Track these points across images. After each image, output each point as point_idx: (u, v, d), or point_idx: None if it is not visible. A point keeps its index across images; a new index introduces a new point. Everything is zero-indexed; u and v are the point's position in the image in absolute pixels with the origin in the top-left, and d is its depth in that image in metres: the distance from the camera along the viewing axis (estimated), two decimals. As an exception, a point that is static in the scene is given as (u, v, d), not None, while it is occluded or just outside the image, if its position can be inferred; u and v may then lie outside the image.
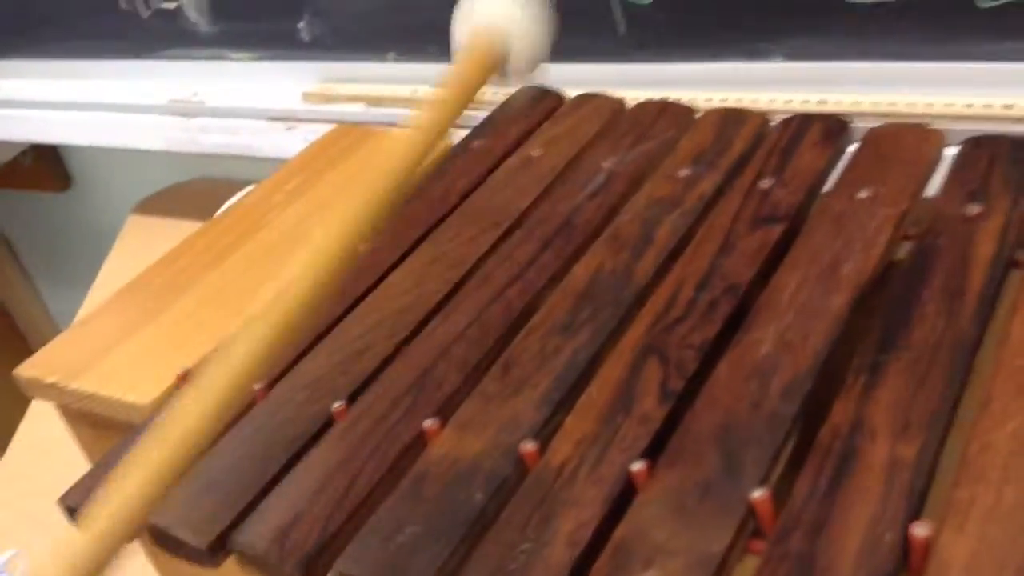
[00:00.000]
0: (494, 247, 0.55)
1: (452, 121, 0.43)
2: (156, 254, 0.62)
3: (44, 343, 0.55)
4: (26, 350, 1.70)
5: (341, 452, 0.43)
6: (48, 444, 0.89)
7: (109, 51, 1.17)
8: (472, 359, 0.47)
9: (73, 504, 0.45)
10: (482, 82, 0.44)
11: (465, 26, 0.45)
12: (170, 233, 1.09)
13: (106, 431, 0.55)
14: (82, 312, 1.06)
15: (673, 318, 0.46)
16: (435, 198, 0.61)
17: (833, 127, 0.57)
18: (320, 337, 0.51)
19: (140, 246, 1.18)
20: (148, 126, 1.14)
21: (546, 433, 0.42)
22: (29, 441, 0.92)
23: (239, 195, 0.96)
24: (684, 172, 0.56)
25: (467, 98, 0.43)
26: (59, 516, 0.79)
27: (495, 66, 0.45)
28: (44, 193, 1.53)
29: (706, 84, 0.81)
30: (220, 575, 0.43)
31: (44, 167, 1.45)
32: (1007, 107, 0.70)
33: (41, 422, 0.93)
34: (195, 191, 1.24)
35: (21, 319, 1.75)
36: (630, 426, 0.41)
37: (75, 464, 0.80)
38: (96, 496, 0.44)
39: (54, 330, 1.71)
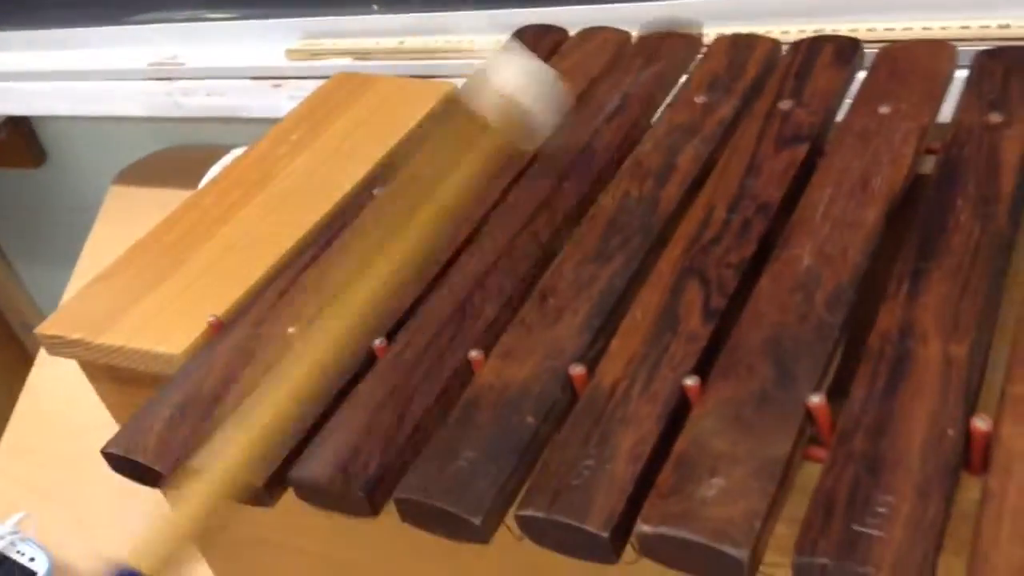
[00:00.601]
0: (515, 181, 0.55)
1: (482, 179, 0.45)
2: (143, 224, 0.61)
3: (27, 326, 0.54)
4: (8, 334, 1.67)
5: (387, 386, 0.43)
6: (50, 416, 0.88)
7: (83, 18, 1.15)
8: (507, 289, 0.47)
9: (117, 451, 0.44)
10: (506, 143, 0.47)
11: (484, 100, 0.48)
12: (155, 202, 1.07)
13: (131, 386, 0.54)
14: (71, 288, 1.05)
15: (708, 239, 0.46)
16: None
17: (845, 47, 0.57)
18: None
19: (125, 217, 1.16)
20: (128, 92, 1.12)
21: (591, 357, 0.43)
22: (31, 413, 0.90)
23: (227, 157, 0.95)
24: (701, 99, 0.56)
25: (487, 162, 0.45)
26: (65, 488, 0.78)
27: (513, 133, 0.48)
28: (17, 170, 1.50)
29: (703, 18, 0.81)
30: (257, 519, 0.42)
31: (18, 142, 1.42)
32: (1003, 26, 0.71)
33: (40, 395, 0.92)
34: (178, 158, 1.22)
35: (1, 301, 1.73)
36: (678, 345, 0.41)
37: (77, 435, 0.80)
38: (139, 446, 0.44)
39: (36, 311, 1.69)
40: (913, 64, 0.54)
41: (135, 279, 0.55)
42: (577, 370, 0.41)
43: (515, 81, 0.48)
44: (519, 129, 0.48)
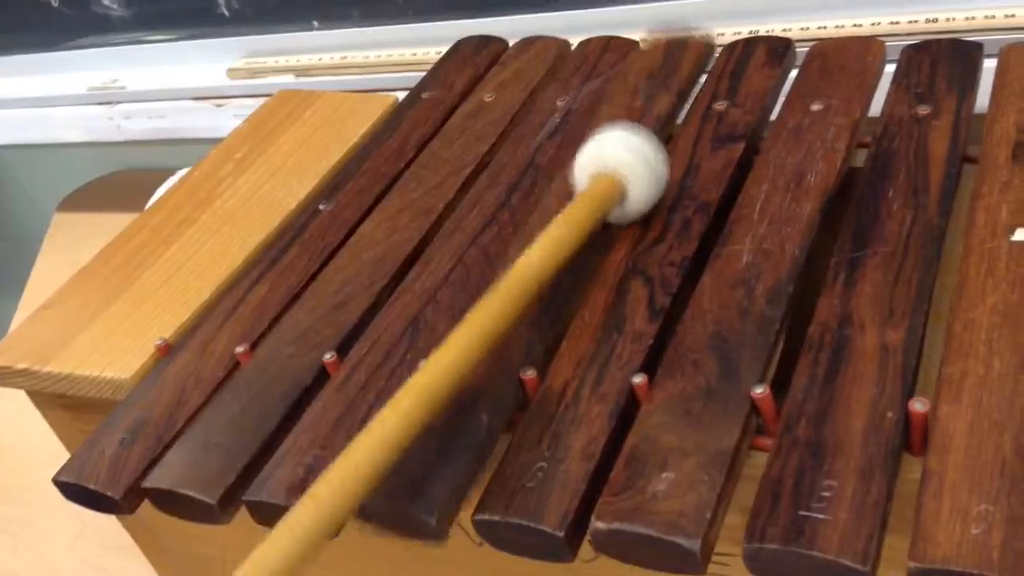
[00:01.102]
0: (460, 192, 0.55)
1: (566, 255, 0.44)
2: (89, 250, 0.60)
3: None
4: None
5: (342, 402, 0.43)
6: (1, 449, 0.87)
7: (21, 44, 1.13)
8: (459, 303, 0.47)
9: (69, 479, 0.44)
10: (597, 220, 0.46)
11: (590, 168, 0.48)
12: (101, 228, 1.06)
13: (82, 413, 0.54)
14: (18, 318, 1.03)
15: (650, 240, 0.47)
16: (392, 151, 0.60)
17: (777, 47, 0.58)
18: (296, 295, 0.51)
19: (70, 245, 1.14)
20: (68, 118, 1.11)
21: (542, 361, 0.43)
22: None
23: (173, 179, 0.94)
24: (637, 102, 0.57)
25: (581, 235, 0.45)
26: (18, 522, 0.77)
27: (610, 207, 0.47)
28: (-43, 202, 1.47)
29: (638, 25, 0.82)
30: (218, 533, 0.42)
31: (-43, 173, 1.39)
32: (931, 21, 0.73)
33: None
34: (122, 182, 1.21)
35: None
36: (624, 344, 0.42)
37: (29, 468, 0.79)
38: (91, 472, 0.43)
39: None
40: (843, 61, 0.55)
41: (81, 305, 0.55)
42: (528, 374, 0.42)
43: (623, 158, 0.47)
44: (616, 205, 0.47)
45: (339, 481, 0.35)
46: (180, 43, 1.05)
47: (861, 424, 0.36)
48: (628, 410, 0.40)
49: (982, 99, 0.51)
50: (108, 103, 1.08)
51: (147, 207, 0.90)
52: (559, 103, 0.59)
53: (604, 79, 0.61)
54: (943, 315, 0.41)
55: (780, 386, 0.41)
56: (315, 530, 0.33)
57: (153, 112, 1.06)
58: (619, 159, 0.47)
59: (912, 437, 0.36)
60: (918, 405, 0.35)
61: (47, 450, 0.58)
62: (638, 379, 0.40)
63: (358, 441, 0.36)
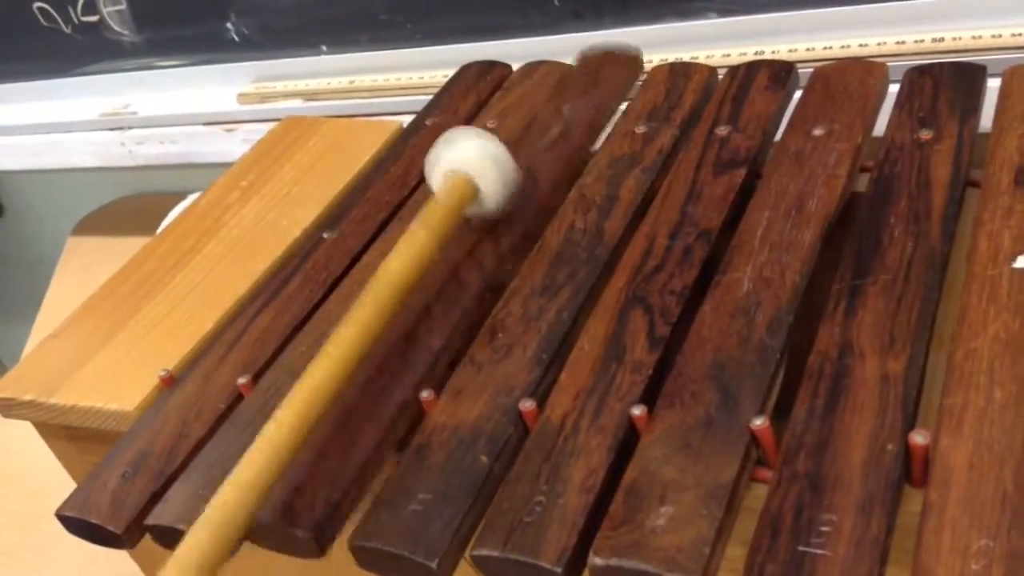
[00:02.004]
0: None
1: (434, 252, 0.47)
2: (102, 273, 0.61)
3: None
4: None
5: (334, 423, 0.43)
6: (8, 478, 0.87)
7: (33, 71, 1.14)
8: (453, 319, 0.47)
9: (71, 513, 0.44)
10: (458, 216, 0.49)
11: (438, 170, 0.51)
12: (114, 252, 1.07)
13: (87, 443, 0.54)
14: (31, 341, 1.04)
15: (651, 268, 0.47)
16: (395, 178, 0.61)
17: (780, 71, 0.58)
18: (300, 325, 0.51)
19: (83, 268, 1.15)
20: (80, 144, 1.12)
21: (541, 391, 0.43)
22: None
23: (184, 203, 0.95)
24: (640, 129, 0.57)
25: (440, 237, 0.48)
26: (26, 549, 0.77)
27: (468, 201, 0.50)
28: (-27, 226, 1.49)
29: (643, 47, 0.82)
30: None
31: (-27, 198, 1.41)
32: (937, 40, 0.73)
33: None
34: (134, 206, 1.22)
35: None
36: (624, 375, 0.42)
37: (36, 495, 0.79)
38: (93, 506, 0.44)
39: (-1, 366, 1.67)
40: (845, 84, 0.55)
41: (88, 335, 0.55)
42: (527, 405, 0.42)
43: (465, 157, 0.49)
44: (469, 202, 0.50)
45: (231, 501, 0.36)
46: (190, 68, 1.06)
47: (861, 456, 0.35)
48: (627, 442, 0.39)
49: (987, 118, 0.51)
50: (120, 128, 1.09)
51: (158, 231, 0.91)
52: (558, 118, 0.59)
53: (605, 90, 0.61)
54: (945, 341, 0.40)
55: (781, 413, 0.40)
56: (211, 552, 0.35)
57: (164, 137, 1.07)
58: (466, 159, 0.49)
59: (913, 469, 0.36)
60: (919, 437, 0.35)
61: (57, 477, 0.58)
62: (637, 411, 0.40)
63: (246, 459, 0.38)
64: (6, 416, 0.54)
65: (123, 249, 0.71)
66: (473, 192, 0.49)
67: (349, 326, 0.42)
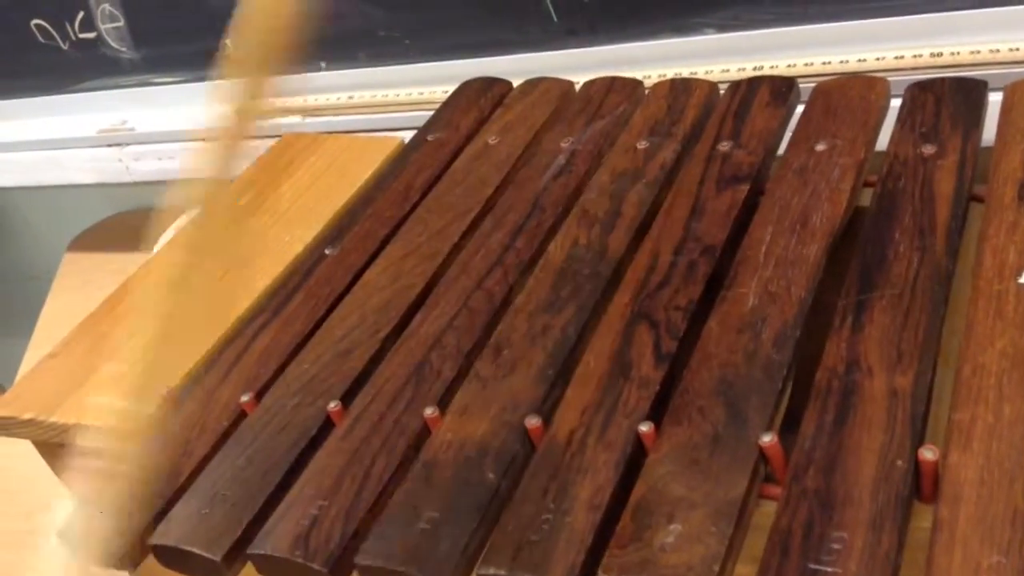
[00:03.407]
0: (465, 236, 0.55)
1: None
2: (98, 289, 0.60)
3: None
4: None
5: (347, 452, 0.43)
6: (6, 495, 0.87)
7: (31, 88, 1.14)
8: (464, 347, 0.47)
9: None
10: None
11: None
12: (111, 267, 1.06)
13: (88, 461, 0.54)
14: (28, 357, 1.04)
15: (655, 284, 0.47)
16: (397, 194, 0.61)
17: (781, 87, 0.58)
18: (303, 342, 0.51)
19: (80, 284, 1.15)
20: (78, 160, 1.12)
21: (547, 407, 0.43)
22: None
23: (183, 218, 0.95)
24: (642, 144, 0.57)
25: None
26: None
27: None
28: (-32, 243, 1.48)
29: (642, 63, 0.82)
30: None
31: (-32, 215, 1.40)
32: (936, 55, 0.73)
33: None
34: (131, 222, 1.21)
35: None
36: (631, 391, 0.42)
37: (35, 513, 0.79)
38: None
39: (-7, 383, 1.66)
40: (847, 100, 0.55)
41: (87, 354, 0.55)
42: (533, 422, 0.42)
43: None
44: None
45: None
46: (188, 85, 1.06)
47: (870, 473, 0.35)
48: (635, 458, 0.39)
49: (988, 131, 0.51)
50: (117, 145, 1.09)
51: (156, 248, 0.91)
52: (563, 144, 0.60)
53: (609, 119, 0.61)
54: (952, 356, 0.40)
55: (789, 425, 0.40)
56: None
57: (162, 153, 1.06)
58: None
59: (923, 485, 0.35)
60: (928, 453, 0.35)
61: (53, 495, 0.58)
62: (645, 427, 0.40)
63: None
64: (6, 435, 0.53)
65: (120, 265, 0.71)
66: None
67: None
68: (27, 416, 0.51)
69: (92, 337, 0.56)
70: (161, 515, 0.43)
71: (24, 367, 1.01)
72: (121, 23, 1.04)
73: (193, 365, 0.52)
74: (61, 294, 1.14)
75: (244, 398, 0.48)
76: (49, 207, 1.35)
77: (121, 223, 1.22)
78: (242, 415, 0.48)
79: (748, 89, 0.59)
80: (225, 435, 0.47)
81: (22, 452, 0.58)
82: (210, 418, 0.47)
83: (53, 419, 0.51)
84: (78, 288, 1.13)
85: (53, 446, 0.53)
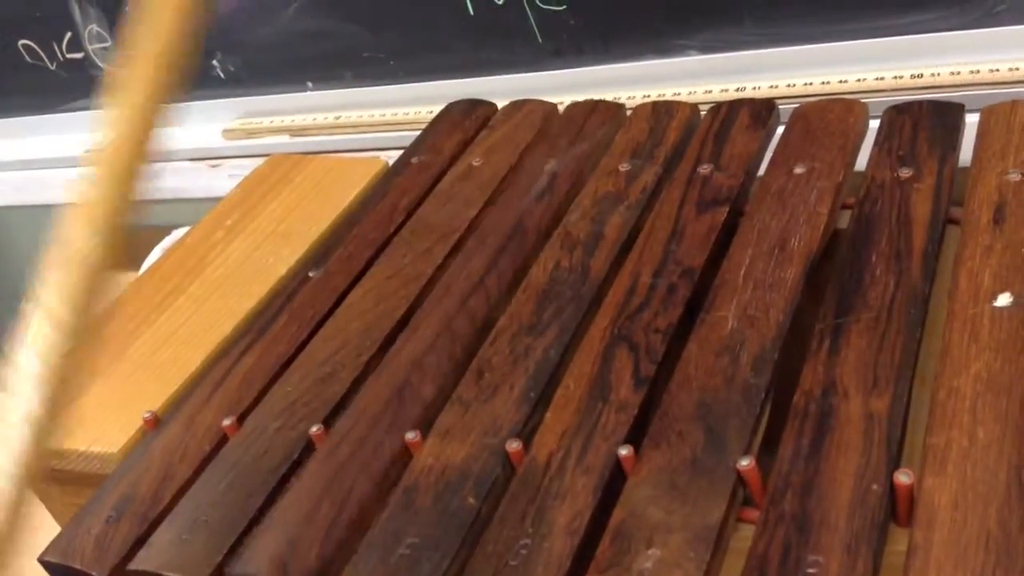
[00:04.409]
0: (449, 258, 0.55)
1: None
2: (85, 309, 0.60)
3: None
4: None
5: (326, 475, 0.43)
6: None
7: (17, 107, 1.14)
8: (446, 369, 0.47)
9: (54, 559, 0.43)
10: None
11: None
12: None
13: (72, 486, 0.53)
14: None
15: (635, 306, 0.47)
16: (381, 216, 0.61)
17: (761, 110, 0.59)
18: (286, 365, 0.51)
19: (67, 303, 1.15)
20: (64, 180, 1.12)
21: (528, 431, 0.43)
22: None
23: (169, 238, 0.95)
24: (624, 167, 0.58)
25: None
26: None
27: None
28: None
29: (625, 84, 0.83)
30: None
31: (-46, 234, 1.40)
32: (916, 76, 0.74)
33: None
34: (119, 241, 1.21)
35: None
36: (610, 414, 0.42)
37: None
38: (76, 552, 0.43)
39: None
40: (826, 123, 0.56)
41: (70, 377, 0.54)
42: (514, 446, 0.42)
43: None
44: None
45: None
46: (175, 104, 1.06)
47: (847, 496, 0.36)
48: (613, 482, 0.39)
49: (966, 152, 0.52)
50: (104, 164, 1.09)
51: (143, 266, 0.91)
52: (546, 167, 0.60)
53: (591, 142, 0.61)
54: (928, 379, 0.41)
55: (767, 445, 0.41)
56: None
57: (149, 173, 1.06)
58: None
59: (898, 508, 0.36)
60: (903, 477, 0.35)
61: (36, 515, 0.57)
62: (624, 451, 0.40)
63: None
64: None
65: (106, 283, 0.70)
66: None
67: None
68: None
69: (76, 360, 0.56)
70: (141, 541, 0.43)
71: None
72: (108, 43, 1.04)
73: (176, 389, 0.52)
74: (48, 313, 1.14)
75: (226, 422, 0.48)
76: (36, 227, 1.34)
77: (108, 242, 1.22)
78: (224, 439, 0.48)
79: (729, 112, 0.59)
80: (207, 459, 0.47)
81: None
82: (192, 442, 0.47)
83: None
84: (65, 307, 1.13)
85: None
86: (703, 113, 0.61)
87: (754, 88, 0.78)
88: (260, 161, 0.76)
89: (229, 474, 0.45)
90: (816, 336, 0.43)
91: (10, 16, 1.07)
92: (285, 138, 1.00)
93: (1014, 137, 0.50)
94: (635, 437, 0.41)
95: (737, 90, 0.79)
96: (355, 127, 0.97)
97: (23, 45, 1.08)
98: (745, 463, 0.38)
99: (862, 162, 0.54)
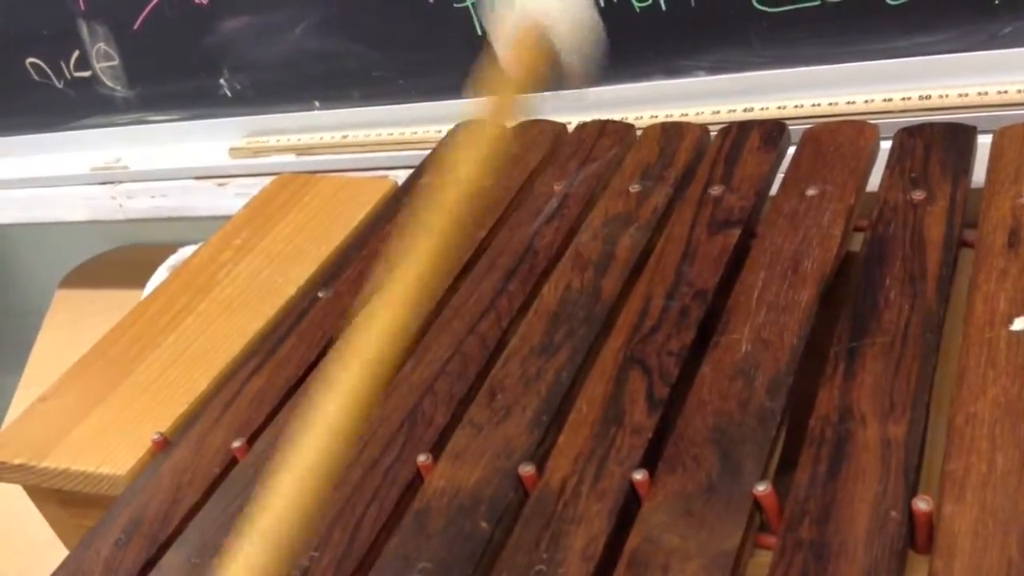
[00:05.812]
0: (459, 280, 0.55)
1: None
2: (90, 326, 0.60)
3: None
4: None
5: (338, 500, 0.43)
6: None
7: (25, 125, 1.15)
8: (457, 392, 0.47)
9: (63, 584, 0.43)
10: (532, 81, 0.42)
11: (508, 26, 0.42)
12: (102, 304, 1.05)
13: (79, 507, 0.53)
14: (19, 395, 1.03)
15: (648, 328, 0.47)
16: (390, 236, 0.61)
17: (771, 131, 0.59)
18: (295, 386, 0.51)
19: (72, 321, 1.15)
20: (71, 198, 1.12)
21: (541, 454, 0.43)
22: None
23: (175, 256, 0.95)
24: (635, 187, 0.58)
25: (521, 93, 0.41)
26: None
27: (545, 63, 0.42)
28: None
29: (633, 105, 0.83)
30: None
31: (-40, 251, 1.40)
32: (924, 98, 0.74)
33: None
34: (124, 258, 1.21)
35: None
36: (624, 437, 0.42)
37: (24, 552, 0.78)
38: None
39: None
40: (837, 145, 0.56)
41: (78, 397, 0.54)
42: (527, 470, 0.41)
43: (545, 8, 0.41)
44: (541, 67, 0.41)
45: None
46: (182, 123, 1.06)
47: (864, 524, 0.35)
48: (628, 507, 0.39)
49: (978, 174, 0.51)
50: (111, 183, 1.09)
51: (149, 284, 0.91)
52: (556, 187, 0.60)
53: (601, 162, 0.61)
54: (944, 405, 0.40)
55: (782, 470, 0.40)
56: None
57: (155, 191, 1.07)
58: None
59: (917, 536, 0.35)
60: (922, 504, 0.35)
61: (45, 533, 0.57)
62: (639, 475, 0.39)
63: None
64: (-5, 479, 0.53)
65: (111, 302, 0.70)
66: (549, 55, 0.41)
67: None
68: (17, 461, 0.51)
69: (85, 380, 0.56)
70: (151, 563, 0.43)
71: (15, 404, 1.01)
72: (116, 62, 1.05)
73: (184, 410, 0.51)
74: (52, 331, 1.14)
75: (236, 443, 0.48)
76: (42, 244, 1.35)
77: (113, 259, 1.22)
78: (233, 461, 0.47)
79: (739, 133, 0.59)
80: (216, 482, 0.46)
81: (15, 489, 0.57)
82: (201, 464, 0.47)
83: (44, 464, 0.50)
84: (69, 325, 1.13)
85: (44, 491, 0.53)
86: (713, 134, 0.61)
87: (762, 109, 0.78)
88: (267, 180, 0.76)
89: (238, 498, 0.44)
90: (831, 360, 0.42)
91: (18, 34, 1.07)
92: (292, 157, 1.00)
93: (1027, 160, 0.50)
94: (650, 461, 0.40)
95: (745, 111, 0.79)
96: (362, 146, 0.97)
97: (31, 63, 1.08)
98: (762, 488, 0.37)
99: (873, 184, 0.54)
